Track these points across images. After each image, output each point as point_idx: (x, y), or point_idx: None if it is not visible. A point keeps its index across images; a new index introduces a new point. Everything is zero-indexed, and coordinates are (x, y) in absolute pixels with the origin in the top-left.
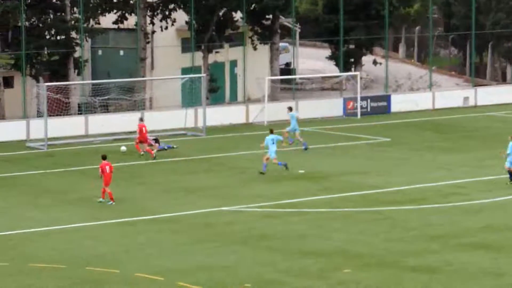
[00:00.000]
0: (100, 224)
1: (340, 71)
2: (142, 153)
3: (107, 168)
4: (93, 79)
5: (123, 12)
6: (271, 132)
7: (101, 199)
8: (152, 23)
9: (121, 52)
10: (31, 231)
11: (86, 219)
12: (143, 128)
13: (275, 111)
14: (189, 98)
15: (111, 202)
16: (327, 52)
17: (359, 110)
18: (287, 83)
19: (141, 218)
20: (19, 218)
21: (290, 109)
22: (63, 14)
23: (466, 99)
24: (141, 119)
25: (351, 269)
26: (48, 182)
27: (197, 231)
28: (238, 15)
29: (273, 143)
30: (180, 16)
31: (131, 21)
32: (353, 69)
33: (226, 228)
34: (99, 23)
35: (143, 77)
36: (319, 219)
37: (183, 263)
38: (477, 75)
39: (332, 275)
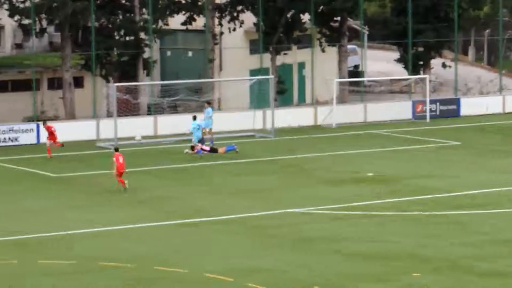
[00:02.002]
0: (166, 225)
1: (409, 74)
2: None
3: (120, 158)
4: (162, 80)
5: (192, 13)
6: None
7: (123, 187)
8: (221, 24)
9: (190, 53)
10: (98, 230)
11: (151, 219)
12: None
13: (344, 113)
14: (257, 100)
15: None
16: (395, 54)
17: (428, 113)
18: (355, 86)
19: (205, 219)
20: (86, 217)
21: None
22: (132, 15)
23: None
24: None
25: (420, 273)
26: (114, 182)
27: (264, 233)
28: (306, 17)
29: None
30: (248, 18)
31: (200, 22)
32: (421, 72)
33: (293, 230)
34: (167, 24)
35: (211, 78)
36: (387, 222)
37: (250, 264)
38: None
39: (401, 278)
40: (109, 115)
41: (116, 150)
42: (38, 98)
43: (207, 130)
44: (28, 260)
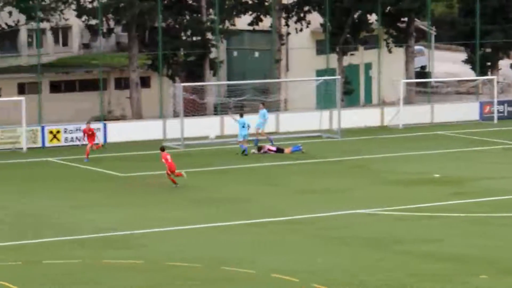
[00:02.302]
0: (232, 225)
1: (476, 75)
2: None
3: (168, 157)
4: (228, 80)
5: (258, 13)
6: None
7: (175, 185)
8: (287, 25)
9: (256, 54)
10: (164, 230)
11: (214, 219)
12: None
13: (410, 114)
14: (324, 100)
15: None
16: (463, 55)
17: (496, 115)
18: (422, 86)
19: (272, 219)
20: (152, 217)
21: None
22: (199, 15)
23: None
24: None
25: (487, 275)
26: (182, 181)
27: (329, 233)
28: (373, 18)
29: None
30: (315, 18)
31: (266, 22)
32: (489, 73)
33: (359, 231)
34: (234, 25)
35: (278, 78)
36: (454, 224)
37: (315, 265)
38: None
39: (468, 280)
40: (175, 115)
41: (163, 150)
42: (105, 98)
43: (260, 130)
44: (92, 259)
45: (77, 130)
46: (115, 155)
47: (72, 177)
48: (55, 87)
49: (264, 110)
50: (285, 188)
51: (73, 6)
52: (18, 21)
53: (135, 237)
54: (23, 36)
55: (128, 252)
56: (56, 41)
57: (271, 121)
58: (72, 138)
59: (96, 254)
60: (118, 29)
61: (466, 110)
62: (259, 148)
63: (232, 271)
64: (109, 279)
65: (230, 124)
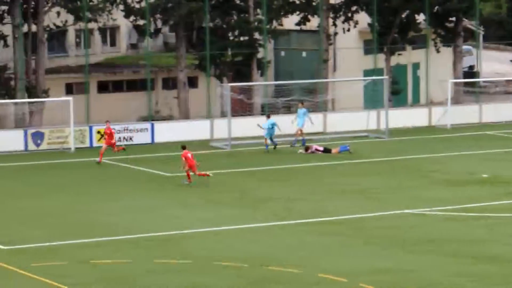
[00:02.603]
0: (277, 225)
1: None
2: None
3: (189, 155)
4: (275, 80)
5: (306, 13)
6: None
7: (185, 181)
8: (335, 24)
9: (304, 54)
10: (208, 230)
11: (260, 219)
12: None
13: (458, 114)
14: (372, 100)
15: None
16: (511, 55)
17: None
18: (470, 86)
19: (318, 219)
20: (196, 217)
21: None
22: (246, 15)
23: None
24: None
25: None
26: (227, 181)
27: (376, 233)
28: (421, 17)
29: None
30: (363, 18)
31: (314, 22)
32: None
33: (407, 231)
34: (282, 25)
35: (325, 78)
36: (504, 224)
37: (362, 265)
38: None
39: None
40: (222, 115)
41: (184, 148)
42: (152, 98)
43: (300, 129)
44: (143, 259)
45: (124, 130)
46: (162, 155)
47: (120, 177)
48: (103, 87)
49: (304, 109)
50: (331, 188)
51: (121, 6)
52: (66, 21)
53: (184, 237)
54: (71, 36)
55: (177, 252)
56: (104, 41)
57: (318, 121)
58: (119, 138)
59: (147, 254)
60: (166, 29)
61: None
62: (306, 148)
63: (278, 271)
64: (159, 280)
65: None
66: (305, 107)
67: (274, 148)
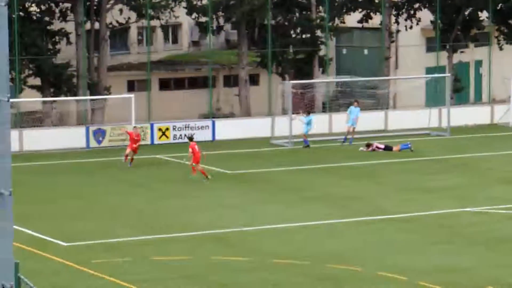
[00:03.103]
0: (337, 223)
1: None
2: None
3: (196, 147)
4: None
5: (368, 11)
6: None
7: (192, 176)
8: (397, 22)
9: (365, 51)
10: (270, 227)
11: (322, 217)
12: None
13: None
14: (433, 98)
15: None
16: None
17: None
18: None
19: (376, 217)
20: (258, 214)
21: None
22: (308, 12)
23: None
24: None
25: None
26: (288, 179)
27: (435, 232)
28: (484, 15)
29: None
30: (425, 15)
31: (376, 20)
32: None
33: (466, 229)
34: (344, 22)
35: (387, 76)
36: None
37: (421, 263)
38: None
39: None
40: (284, 112)
41: (191, 139)
42: (214, 95)
43: (351, 128)
44: (201, 256)
45: (186, 127)
46: (223, 152)
47: (181, 174)
48: (164, 84)
49: (357, 108)
50: (389, 186)
51: (183, 4)
52: (129, 18)
53: (243, 234)
54: (133, 33)
55: (236, 249)
56: (166, 38)
57: (380, 119)
58: (180, 135)
59: (205, 251)
60: (228, 26)
61: None
62: (368, 145)
63: (338, 269)
64: (217, 277)
65: (339, 121)
66: (358, 106)
67: (307, 147)
